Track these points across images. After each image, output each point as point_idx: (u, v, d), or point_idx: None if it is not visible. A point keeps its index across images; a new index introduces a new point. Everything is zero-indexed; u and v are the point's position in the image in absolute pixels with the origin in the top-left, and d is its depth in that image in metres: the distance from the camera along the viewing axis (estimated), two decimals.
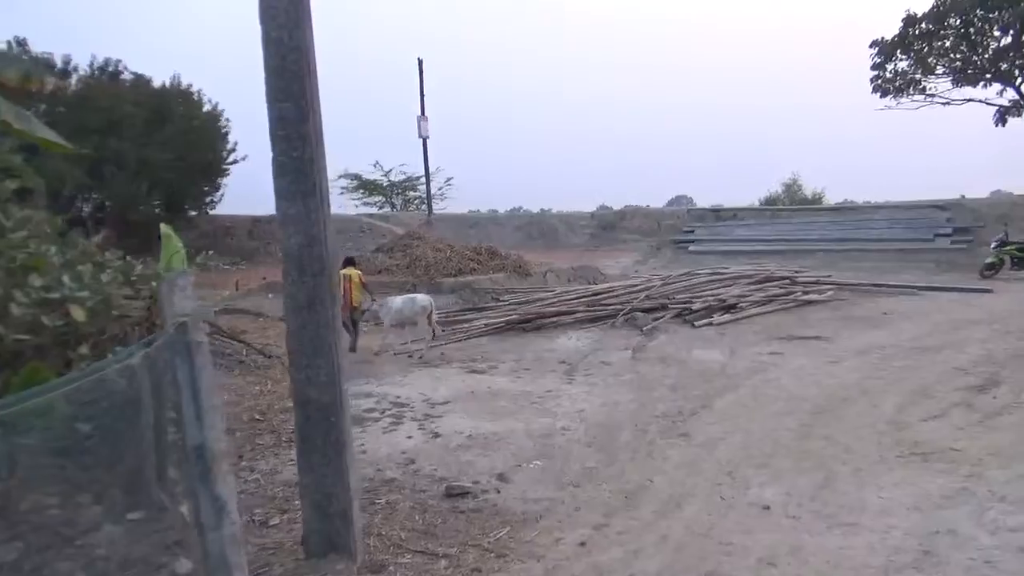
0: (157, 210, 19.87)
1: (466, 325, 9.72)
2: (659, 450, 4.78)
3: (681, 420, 5.40)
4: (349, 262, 10.68)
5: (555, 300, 10.52)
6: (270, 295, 11.39)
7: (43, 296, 3.08)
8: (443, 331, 8.96)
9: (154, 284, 3.56)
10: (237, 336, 8.31)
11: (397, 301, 8.93)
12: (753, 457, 4.49)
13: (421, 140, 25.60)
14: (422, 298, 8.97)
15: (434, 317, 8.80)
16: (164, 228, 3.76)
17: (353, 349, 8.80)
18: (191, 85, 21.34)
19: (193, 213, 23.48)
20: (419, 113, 25.17)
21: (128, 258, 3.90)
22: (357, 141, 48.20)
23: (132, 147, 18.73)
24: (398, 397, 6.44)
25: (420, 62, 24.88)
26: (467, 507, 3.84)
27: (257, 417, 5.46)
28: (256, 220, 26.83)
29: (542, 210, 29.58)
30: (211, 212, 24.06)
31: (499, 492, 4.08)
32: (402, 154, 51.40)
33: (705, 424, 5.27)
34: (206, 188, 23.07)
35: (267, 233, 25.99)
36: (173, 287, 2.29)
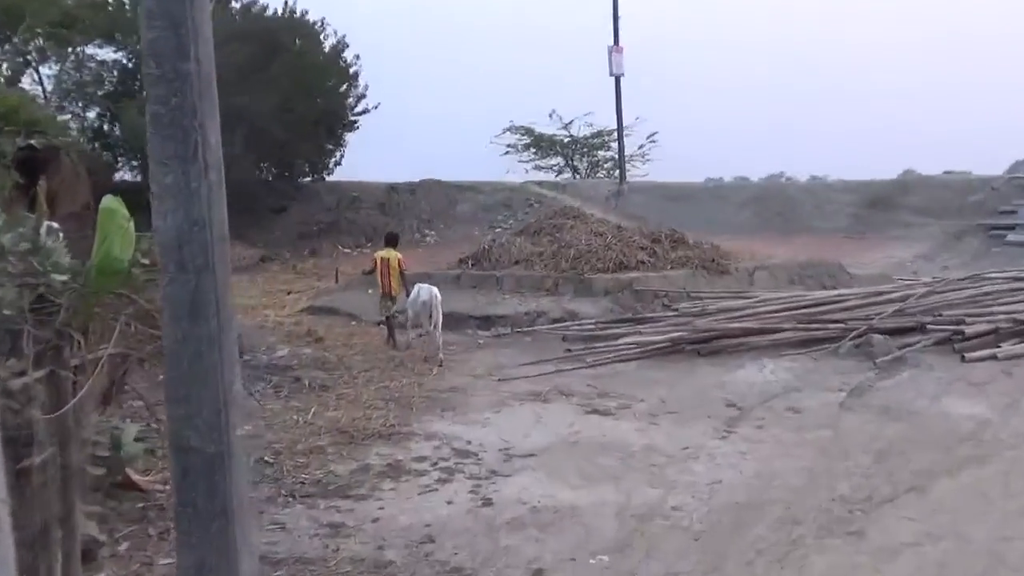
0: (263, 174, 23.08)
1: (608, 344, 9.58)
2: (800, 556, 4.00)
3: (863, 510, 4.63)
4: (390, 240, 11.49)
5: (750, 312, 9.59)
6: (370, 290, 12.38)
7: None
8: (441, 357, 9.27)
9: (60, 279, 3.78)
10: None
11: (412, 292, 10.01)
12: None
13: (613, 79, 24.84)
14: (424, 290, 9.75)
15: (437, 320, 9.49)
16: (108, 201, 3.73)
17: (394, 346, 10.08)
18: (307, 12, 22.14)
19: (307, 179, 25.66)
20: (611, 43, 24.34)
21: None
22: (525, 84, 48.93)
23: (222, 91, 22.61)
24: (468, 443, 6.36)
25: None
26: None
27: (267, 459, 5.80)
28: (392, 189, 29.88)
29: (784, 178, 26.97)
30: (330, 178, 26.95)
31: None
32: (586, 102, 49.58)
33: (898, 519, 4.53)
34: (327, 146, 24.80)
35: (408, 206, 28.57)
36: None
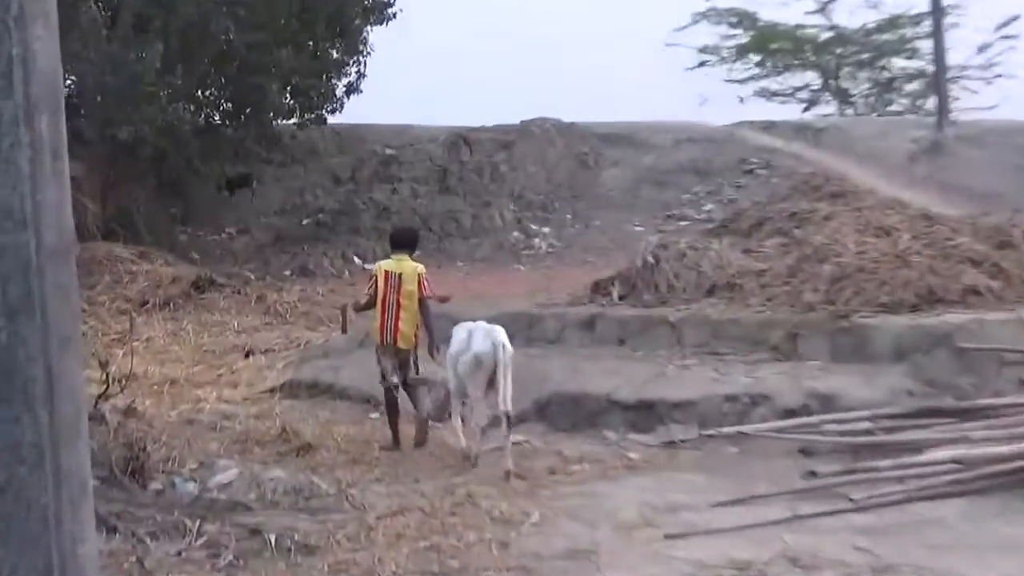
0: (200, 113, 26.80)
1: (899, 464, 9.51)
2: None
3: None
4: (403, 241, 12.51)
5: None
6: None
7: None
8: (511, 468, 10.51)
9: None
10: None
11: (454, 338, 11.43)
12: None
13: None
14: (480, 333, 11.03)
15: (504, 389, 10.70)
16: None
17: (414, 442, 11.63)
18: None
19: (291, 122, 31.28)
20: None
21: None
22: None
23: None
24: None
25: None
26: None
27: None
28: (463, 141, 32.70)
29: None
30: (338, 119, 31.81)
31: None
32: None
33: None
34: (331, 54, 30.48)
35: (493, 174, 29.50)
36: None
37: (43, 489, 3.36)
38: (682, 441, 11.24)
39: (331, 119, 31.91)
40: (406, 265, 11.92)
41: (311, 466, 10.79)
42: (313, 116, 31.10)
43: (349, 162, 34.19)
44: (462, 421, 11.64)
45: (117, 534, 8.03)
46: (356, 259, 28.80)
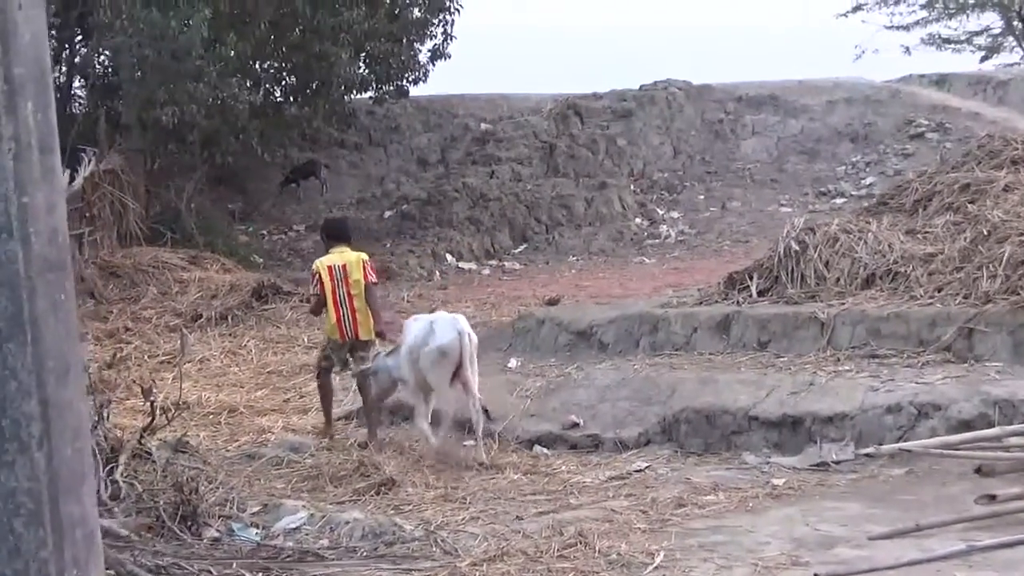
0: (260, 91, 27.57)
1: None
2: None
3: None
4: (337, 233, 14.22)
5: None
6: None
7: None
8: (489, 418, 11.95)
9: None
10: None
11: (407, 333, 12.74)
12: None
13: None
14: (442, 324, 12.06)
15: (474, 375, 11.99)
16: None
17: (370, 439, 12.96)
18: None
19: (367, 95, 31.59)
20: None
21: None
22: None
23: None
24: None
25: None
26: None
27: None
28: (573, 111, 34.11)
29: None
30: (423, 90, 32.45)
31: None
32: None
33: None
34: (414, 15, 30.54)
35: (610, 149, 29.53)
36: None
37: (42, 544, 3.35)
38: (836, 463, 11.09)
39: (414, 91, 31.98)
40: (348, 256, 13.42)
41: (394, 505, 10.86)
42: (392, 88, 31.05)
43: (438, 141, 34.38)
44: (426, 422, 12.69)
45: None
46: (449, 257, 28.97)
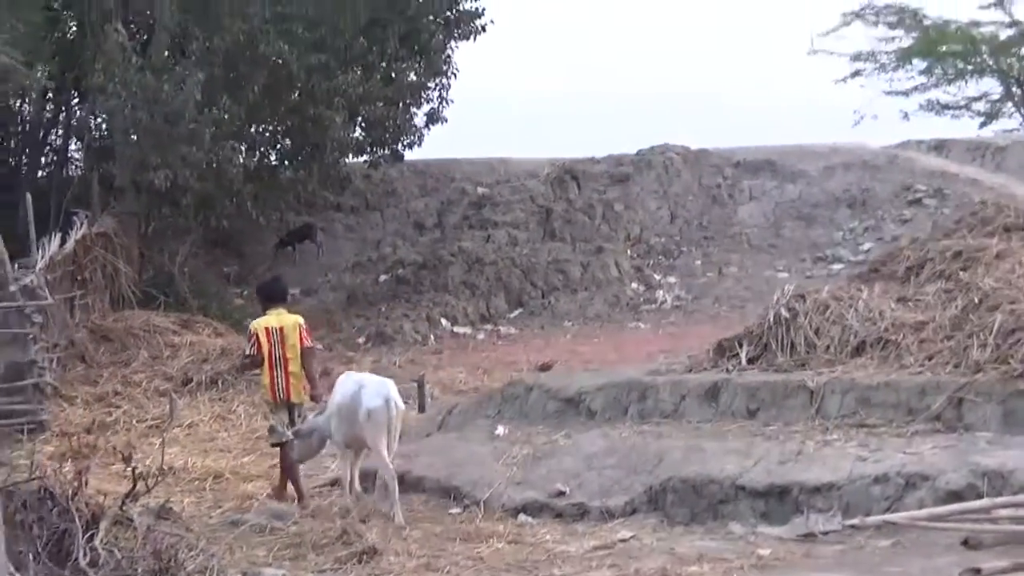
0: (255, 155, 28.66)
1: None
2: None
3: None
4: (273, 294, 14.78)
5: None
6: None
7: None
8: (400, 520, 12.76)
9: None
10: None
11: (337, 391, 13.41)
12: None
13: None
14: (371, 386, 13.06)
15: (393, 442, 12.88)
16: None
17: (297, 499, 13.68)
18: None
19: (362, 159, 32.69)
20: None
21: None
22: None
23: None
24: None
25: None
26: None
27: None
28: (569, 176, 33.91)
29: None
30: (417, 154, 33.07)
31: None
32: None
33: None
34: (409, 78, 31.31)
35: (607, 215, 29.68)
36: None
37: None
38: (823, 533, 11.02)
39: (410, 155, 32.13)
40: (285, 319, 14.00)
41: (375, 574, 10.88)
42: (388, 152, 31.23)
43: (434, 205, 34.56)
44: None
45: None
46: (444, 321, 29.03)
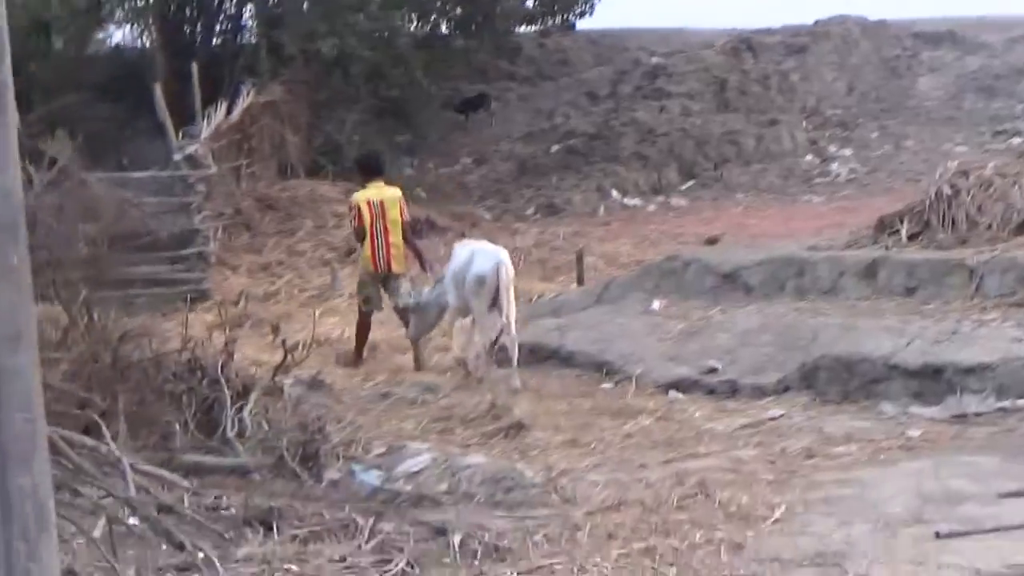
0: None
1: None
2: None
3: None
4: (371, 167, 15.30)
5: None
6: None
7: None
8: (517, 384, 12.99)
9: None
10: None
11: (456, 256, 13.79)
12: None
13: None
14: (481, 255, 13.34)
15: (508, 308, 12.93)
16: None
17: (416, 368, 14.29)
18: None
19: (531, 28, 31.93)
20: None
21: None
22: None
23: None
24: None
25: None
26: None
27: None
28: (745, 47, 33.29)
29: None
30: (589, 23, 32.19)
31: None
32: None
33: None
34: None
35: (780, 85, 29.11)
36: None
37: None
38: (975, 415, 10.83)
39: (583, 24, 31.84)
40: (385, 192, 14.50)
41: (520, 449, 10.87)
42: (559, 21, 30.98)
43: (607, 75, 34.24)
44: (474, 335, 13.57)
45: (276, 534, 8.10)
46: (615, 193, 28.84)
